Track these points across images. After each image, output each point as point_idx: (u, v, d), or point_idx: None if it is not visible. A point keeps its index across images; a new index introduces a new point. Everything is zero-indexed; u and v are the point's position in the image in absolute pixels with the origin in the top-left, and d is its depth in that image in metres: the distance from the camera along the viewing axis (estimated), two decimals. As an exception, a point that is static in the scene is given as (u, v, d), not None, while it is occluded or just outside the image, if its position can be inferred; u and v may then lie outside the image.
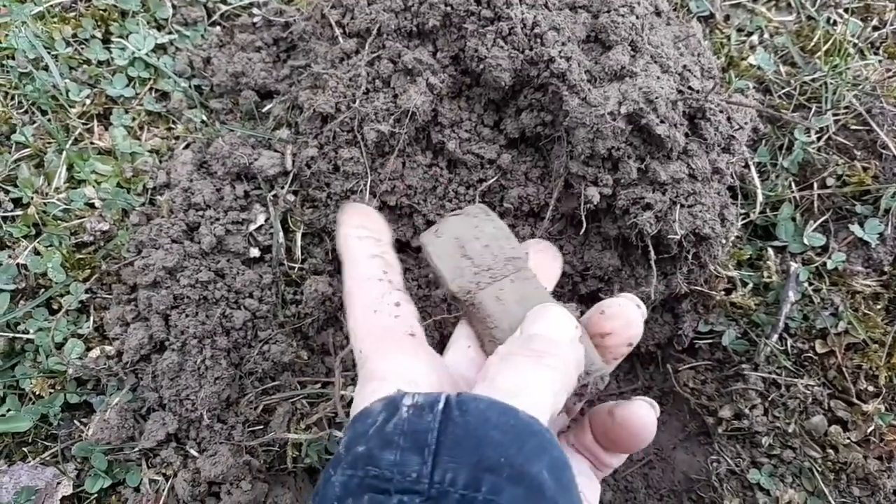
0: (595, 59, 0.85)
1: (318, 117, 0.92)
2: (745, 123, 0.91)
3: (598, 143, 0.81)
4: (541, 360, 0.48)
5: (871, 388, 0.91)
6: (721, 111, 0.86)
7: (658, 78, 0.83)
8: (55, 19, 1.06)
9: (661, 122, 0.81)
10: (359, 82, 0.89)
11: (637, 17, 0.85)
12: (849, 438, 0.91)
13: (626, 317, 0.58)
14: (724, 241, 0.93)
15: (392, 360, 0.53)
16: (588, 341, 0.56)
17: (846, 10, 1.12)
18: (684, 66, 0.87)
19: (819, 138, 1.00)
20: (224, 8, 1.12)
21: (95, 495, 0.89)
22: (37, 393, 0.90)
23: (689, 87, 0.85)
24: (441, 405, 0.44)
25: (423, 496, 0.41)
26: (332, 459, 0.47)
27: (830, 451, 0.92)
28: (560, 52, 0.82)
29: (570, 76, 0.81)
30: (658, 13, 0.94)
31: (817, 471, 0.92)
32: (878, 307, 0.94)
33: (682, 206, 0.84)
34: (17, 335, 0.90)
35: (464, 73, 0.89)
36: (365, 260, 0.62)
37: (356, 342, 0.56)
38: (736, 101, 0.89)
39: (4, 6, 1.05)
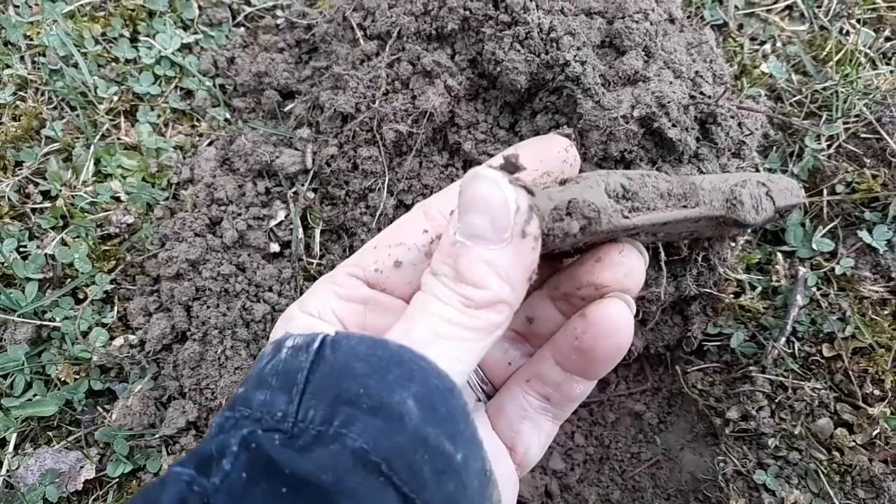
0: (609, 63, 0.87)
1: (338, 117, 0.95)
2: (756, 129, 0.93)
3: (611, 145, 0.83)
4: (462, 304, 0.45)
5: (877, 392, 0.92)
6: (732, 116, 0.88)
7: (671, 83, 0.85)
8: (85, 18, 1.09)
9: (673, 125, 0.83)
10: (378, 83, 0.91)
11: (651, 24, 0.87)
12: (854, 441, 0.92)
13: (627, 265, 0.53)
14: (733, 244, 0.95)
15: (319, 294, 0.51)
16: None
17: (858, 21, 1.14)
18: (696, 72, 0.89)
19: (829, 146, 1.02)
20: (248, 9, 1.15)
21: (117, 480, 0.92)
22: (62, 379, 0.93)
23: (701, 93, 0.87)
24: (316, 345, 0.43)
25: (287, 434, 0.40)
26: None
27: (836, 453, 0.93)
28: (575, 56, 0.84)
29: (585, 80, 0.83)
30: (672, 20, 0.96)
31: (823, 472, 0.93)
32: (886, 312, 0.95)
33: (692, 208, 0.86)
34: (45, 323, 0.93)
35: (481, 76, 0.92)
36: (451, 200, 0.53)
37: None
38: (747, 106, 0.91)
39: (37, 4, 1.09)
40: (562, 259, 0.63)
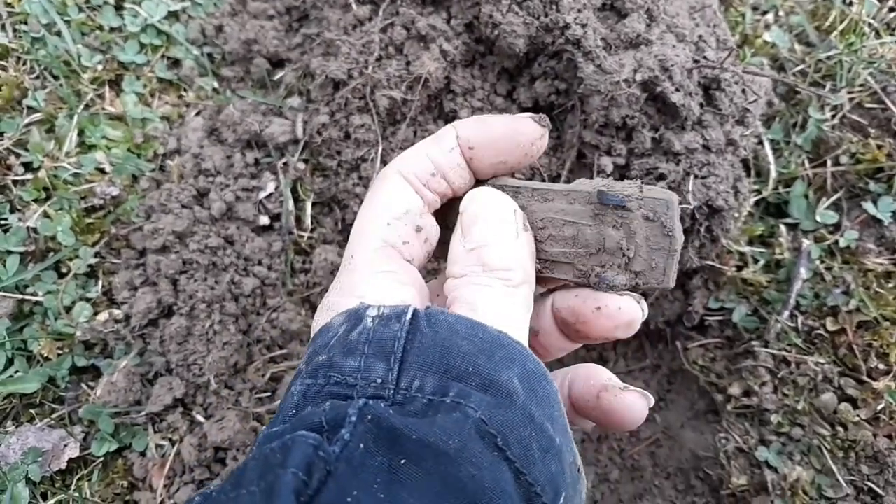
0: (611, 26, 0.84)
1: (329, 84, 0.92)
2: (761, 95, 0.90)
3: (613, 111, 0.81)
4: (500, 279, 0.47)
5: (881, 366, 0.90)
6: (736, 82, 0.86)
7: (674, 47, 0.82)
8: (68, -15, 1.05)
9: (677, 90, 0.80)
10: (371, 49, 0.89)
11: (653, -14, 0.85)
12: (858, 416, 0.90)
13: (628, 317, 0.52)
14: (736, 215, 0.92)
15: (378, 283, 0.48)
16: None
17: (862, -9, 1.11)
18: (700, 37, 0.87)
19: (833, 116, 1.00)
20: (237, -22, 1.12)
21: (102, 458, 0.89)
22: (45, 355, 0.90)
23: (705, 57, 0.84)
24: (409, 316, 0.43)
25: (389, 401, 0.40)
26: (293, 377, 0.46)
27: (839, 428, 0.91)
28: (576, 18, 0.81)
29: (586, 43, 0.80)
30: (674, -16, 0.93)
31: (826, 448, 0.91)
32: (890, 285, 0.93)
33: (695, 176, 0.84)
34: (26, 297, 0.90)
35: (477, 41, 0.89)
36: (427, 158, 0.53)
37: (352, 244, 0.51)
38: (752, 70, 0.88)
39: (17, -29, 1.05)
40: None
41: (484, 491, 0.36)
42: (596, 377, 0.54)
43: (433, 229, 0.54)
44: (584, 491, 0.47)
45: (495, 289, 0.47)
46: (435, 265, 0.95)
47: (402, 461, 0.36)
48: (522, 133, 0.54)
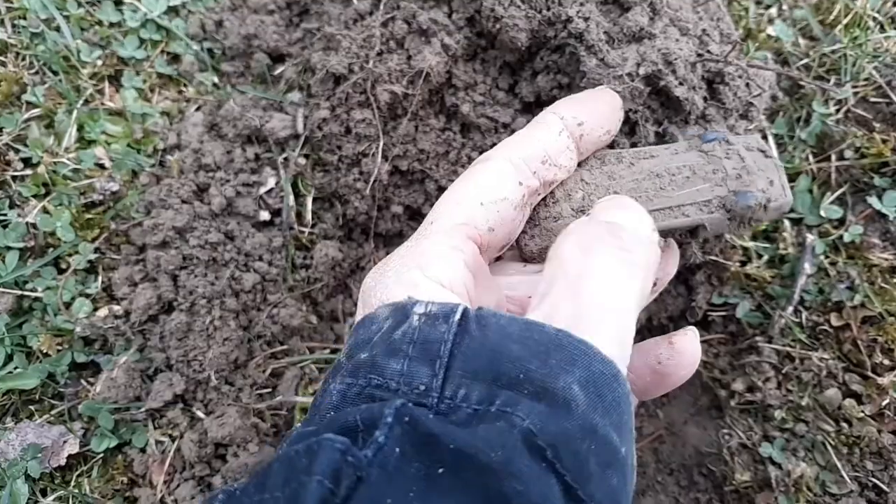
0: (613, 20, 0.83)
1: (330, 78, 0.91)
2: (765, 88, 0.89)
3: (616, 104, 0.80)
4: (627, 257, 0.43)
5: (886, 362, 0.90)
6: (740, 76, 0.85)
7: (677, 40, 0.82)
8: (67, -20, 1.05)
9: (680, 84, 0.79)
10: (372, 43, 0.88)
11: (656, -21, 0.84)
12: (863, 412, 0.90)
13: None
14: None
15: (445, 260, 0.46)
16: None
17: (866, -15, 1.11)
18: (703, 30, 0.86)
19: (837, 110, 0.99)
20: (237, -28, 1.11)
21: (102, 455, 0.89)
22: (44, 351, 0.89)
23: (708, 51, 0.84)
24: (458, 317, 0.40)
25: (432, 410, 0.37)
26: (331, 368, 0.43)
27: (844, 424, 0.91)
28: (578, 12, 0.80)
29: (589, 36, 0.80)
30: (677, -22, 0.92)
31: (830, 444, 0.90)
32: (895, 281, 0.92)
33: (699, 170, 0.83)
34: (26, 293, 0.90)
35: (479, 35, 0.88)
36: (539, 143, 0.53)
37: (438, 209, 0.50)
38: (756, 63, 0.88)
39: (16, -34, 1.05)
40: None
41: None
42: (648, 350, 0.56)
43: (520, 226, 0.53)
44: (633, 489, 0.45)
45: (615, 266, 0.43)
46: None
47: (440, 469, 0.34)
48: (617, 99, 0.58)
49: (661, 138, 0.78)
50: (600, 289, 0.41)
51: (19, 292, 0.90)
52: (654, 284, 0.52)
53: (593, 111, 0.55)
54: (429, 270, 0.45)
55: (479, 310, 0.41)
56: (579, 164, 0.56)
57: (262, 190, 0.94)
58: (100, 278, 0.93)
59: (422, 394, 0.38)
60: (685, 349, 0.55)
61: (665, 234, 0.57)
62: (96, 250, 0.93)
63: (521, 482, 0.33)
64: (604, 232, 0.44)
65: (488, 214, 0.49)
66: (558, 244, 0.45)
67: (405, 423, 0.35)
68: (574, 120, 0.54)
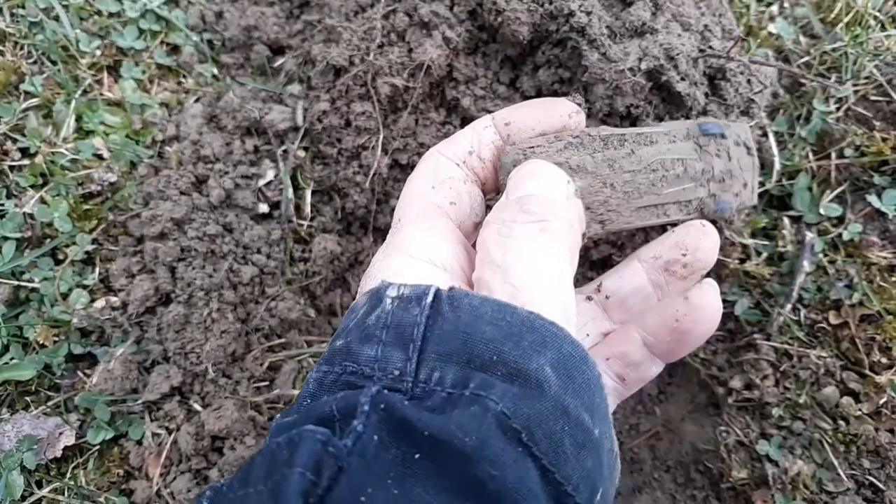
0: (615, 14, 0.83)
1: (330, 70, 0.91)
2: (766, 85, 0.89)
3: (618, 99, 0.80)
4: (543, 226, 0.44)
5: (884, 360, 0.90)
6: (742, 72, 0.85)
7: (679, 35, 0.82)
8: (66, -31, 1.04)
9: (682, 79, 0.79)
10: (373, 35, 0.87)
11: (659, -26, 0.84)
12: (860, 410, 0.90)
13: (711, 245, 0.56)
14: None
15: (425, 239, 0.48)
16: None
17: (868, -17, 1.11)
18: (705, 26, 0.86)
19: (838, 108, 0.99)
20: (237, -36, 1.11)
21: (98, 447, 0.88)
22: (41, 342, 0.89)
23: (710, 47, 0.83)
24: (430, 298, 0.40)
25: (407, 395, 0.38)
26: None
27: (841, 422, 0.91)
28: (580, 6, 0.80)
29: (590, 31, 0.79)
30: (679, -26, 0.92)
31: (827, 442, 0.90)
32: (894, 279, 0.92)
33: (699, 167, 0.83)
34: (23, 284, 0.89)
35: (480, 29, 0.88)
36: (465, 138, 0.56)
37: (399, 210, 0.52)
38: (758, 59, 0.87)
39: (15, -45, 1.04)
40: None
41: (507, 491, 0.33)
42: (665, 309, 0.56)
43: (478, 198, 0.54)
44: (618, 476, 0.45)
45: (534, 238, 0.44)
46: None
47: (416, 455, 0.34)
48: (557, 104, 0.57)
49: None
50: (526, 268, 0.42)
51: (16, 283, 0.89)
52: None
53: (525, 113, 0.56)
54: (416, 253, 0.46)
55: (451, 290, 0.42)
56: (583, 146, 0.55)
57: (261, 182, 0.94)
58: (97, 269, 0.92)
59: (396, 379, 0.38)
60: (703, 303, 0.54)
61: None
62: (94, 241, 0.92)
63: (497, 467, 0.34)
64: (516, 210, 0.45)
65: (443, 192, 0.52)
66: (482, 232, 0.47)
67: (381, 411, 0.36)
68: (502, 119, 0.57)
